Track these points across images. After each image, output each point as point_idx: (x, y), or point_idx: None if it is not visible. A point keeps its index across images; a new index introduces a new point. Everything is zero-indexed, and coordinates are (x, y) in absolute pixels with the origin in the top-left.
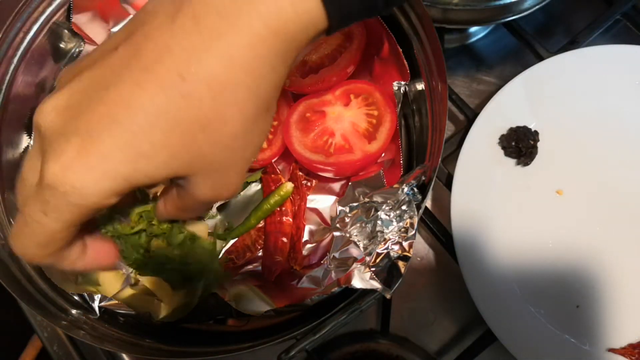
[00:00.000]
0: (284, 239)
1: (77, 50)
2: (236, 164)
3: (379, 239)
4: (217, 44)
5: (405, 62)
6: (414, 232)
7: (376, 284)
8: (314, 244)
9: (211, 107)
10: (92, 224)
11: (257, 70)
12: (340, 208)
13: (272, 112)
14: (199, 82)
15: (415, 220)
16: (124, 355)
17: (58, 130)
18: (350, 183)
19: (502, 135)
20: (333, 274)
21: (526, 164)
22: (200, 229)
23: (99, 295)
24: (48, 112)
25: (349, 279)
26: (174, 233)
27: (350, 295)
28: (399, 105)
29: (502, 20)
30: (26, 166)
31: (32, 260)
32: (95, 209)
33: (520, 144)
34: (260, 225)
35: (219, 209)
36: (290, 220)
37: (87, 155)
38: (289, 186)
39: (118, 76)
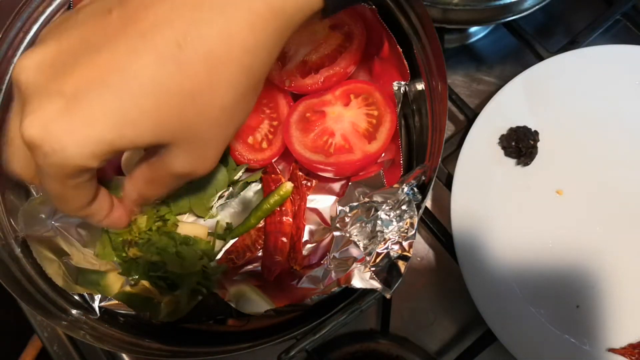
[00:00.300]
0: (284, 239)
1: None
2: (217, 138)
3: (379, 239)
4: (217, 19)
5: (405, 62)
6: (414, 232)
7: (376, 284)
8: (314, 244)
9: (205, 79)
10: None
11: (252, 48)
12: (340, 208)
13: (259, 91)
14: (196, 54)
15: (415, 220)
16: (124, 355)
17: (40, 88)
18: (350, 183)
19: (502, 135)
20: (333, 274)
21: (526, 164)
22: (200, 231)
23: (99, 295)
24: (30, 68)
25: (349, 278)
26: (164, 242)
27: (350, 295)
28: (399, 105)
29: (502, 20)
30: (11, 128)
31: (75, 215)
32: (79, 171)
33: (520, 144)
34: (260, 225)
35: (219, 209)
36: (290, 220)
37: (71, 117)
38: (288, 186)
39: (112, 40)
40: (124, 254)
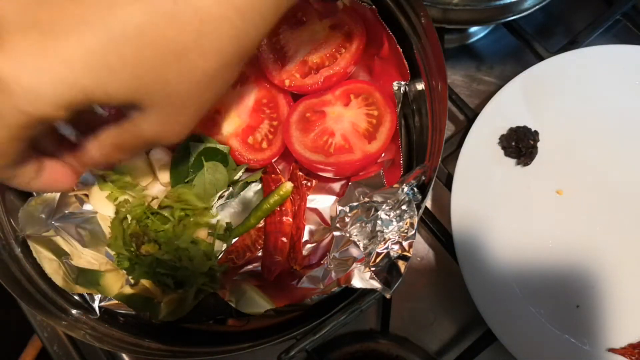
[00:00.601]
0: (284, 239)
1: None
2: (193, 105)
3: (379, 239)
4: None
5: (405, 62)
6: (414, 232)
7: (376, 284)
8: (314, 244)
9: (193, 39)
10: (49, 147)
11: (248, 13)
12: (340, 208)
13: (240, 66)
14: (188, 7)
15: (415, 220)
16: (124, 355)
17: (14, 19)
18: (350, 183)
19: (502, 135)
20: (333, 274)
21: (526, 164)
22: (200, 231)
23: (99, 295)
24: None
25: (349, 278)
26: (181, 236)
27: (350, 295)
28: (399, 105)
29: (502, 20)
30: None
31: None
32: (42, 120)
33: (520, 144)
34: (260, 225)
35: (219, 209)
36: (290, 220)
37: (45, 54)
38: (288, 186)
39: None
40: (131, 249)
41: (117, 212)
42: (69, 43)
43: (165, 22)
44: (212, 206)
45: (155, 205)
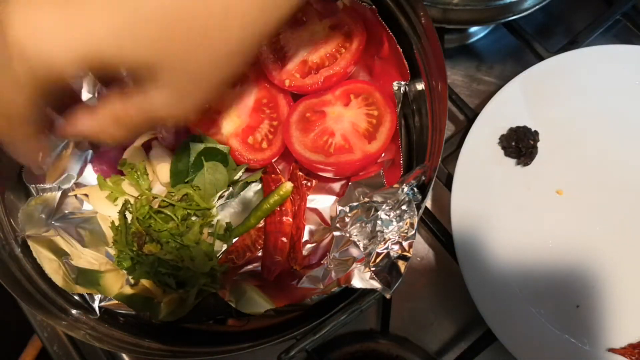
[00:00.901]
0: (284, 239)
1: None
2: (209, 82)
3: (379, 239)
4: None
5: (405, 62)
6: (414, 232)
7: (376, 284)
8: (314, 244)
9: (220, 13)
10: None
11: None
12: (340, 208)
13: (254, 53)
14: None
15: (415, 220)
16: (124, 355)
17: None
18: (350, 183)
19: (502, 135)
20: (333, 274)
21: (526, 164)
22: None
23: (99, 295)
24: None
25: (349, 278)
26: (185, 235)
27: (350, 295)
28: (399, 105)
29: (502, 20)
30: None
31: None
32: (57, 85)
33: (520, 144)
34: (260, 225)
35: (219, 209)
36: (290, 220)
37: (68, 22)
38: (288, 186)
39: None
40: (133, 248)
41: (120, 211)
42: (94, 14)
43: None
44: (213, 206)
45: (155, 204)
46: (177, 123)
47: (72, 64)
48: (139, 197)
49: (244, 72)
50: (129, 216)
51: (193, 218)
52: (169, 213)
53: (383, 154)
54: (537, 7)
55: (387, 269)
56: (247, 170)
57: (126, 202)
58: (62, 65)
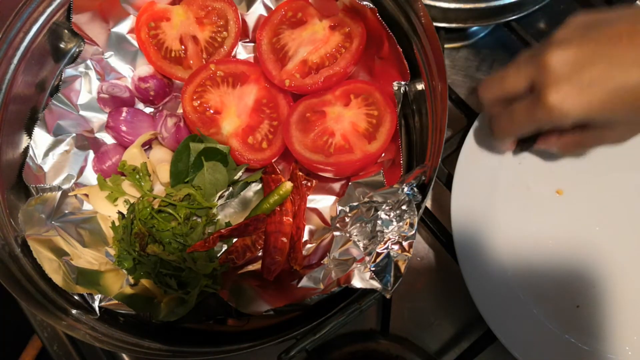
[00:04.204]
0: (284, 239)
1: (77, 50)
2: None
3: (379, 239)
4: None
5: (405, 62)
6: (414, 232)
7: (376, 284)
8: (314, 244)
9: None
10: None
11: None
12: (340, 208)
13: None
14: None
15: (415, 220)
16: (124, 355)
17: (563, 74)
18: (350, 183)
19: None
20: (333, 274)
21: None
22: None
23: (99, 295)
24: (559, 58)
25: (348, 278)
26: (189, 234)
27: (350, 295)
28: (399, 105)
29: (502, 20)
30: (511, 73)
31: (500, 136)
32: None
33: (520, 144)
34: None
35: (219, 209)
36: (290, 220)
37: (580, 97)
38: (288, 185)
39: (614, 51)
40: (135, 249)
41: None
42: (592, 92)
43: None
44: (215, 205)
45: (155, 204)
46: (616, 143)
47: (574, 118)
48: (141, 198)
49: (243, 72)
50: (130, 217)
51: (195, 218)
52: (171, 212)
53: (383, 154)
54: (537, 7)
55: (387, 269)
56: (247, 170)
57: (131, 205)
58: (567, 119)
